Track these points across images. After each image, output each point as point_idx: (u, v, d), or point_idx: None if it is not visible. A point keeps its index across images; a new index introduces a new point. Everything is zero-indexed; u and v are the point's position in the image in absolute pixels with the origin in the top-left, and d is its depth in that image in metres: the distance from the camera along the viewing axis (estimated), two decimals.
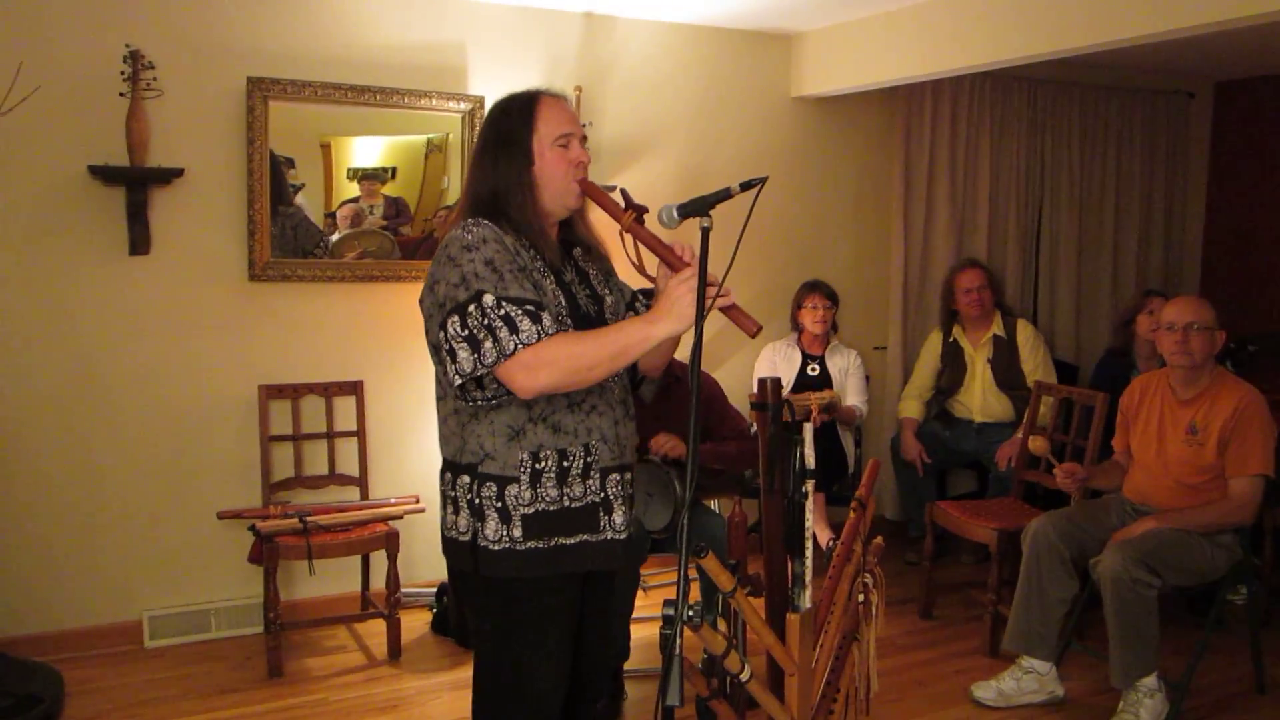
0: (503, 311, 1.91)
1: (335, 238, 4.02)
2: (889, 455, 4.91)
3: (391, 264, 4.11)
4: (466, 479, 2.07)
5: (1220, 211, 6.09)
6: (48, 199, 3.57)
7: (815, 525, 4.26)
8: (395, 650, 3.79)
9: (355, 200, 4.04)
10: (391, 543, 3.75)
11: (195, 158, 3.74)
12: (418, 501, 3.96)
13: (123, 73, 3.54)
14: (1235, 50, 5.11)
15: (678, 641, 1.66)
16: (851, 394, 4.71)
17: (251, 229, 3.83)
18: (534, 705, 2.08)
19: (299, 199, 3.96)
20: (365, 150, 4.08)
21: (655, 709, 1.85)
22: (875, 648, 2.51)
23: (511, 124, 2.08)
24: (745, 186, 2.02)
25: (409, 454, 4.23)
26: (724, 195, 2.02)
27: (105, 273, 3.67)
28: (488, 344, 1.91)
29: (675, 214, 2.03)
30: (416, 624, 4.06)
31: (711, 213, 2.01)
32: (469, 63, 4.17)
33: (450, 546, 2.13)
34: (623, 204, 2.10)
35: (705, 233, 1.97)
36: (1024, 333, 4.76)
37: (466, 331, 1.93)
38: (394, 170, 4.11)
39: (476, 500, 2.05)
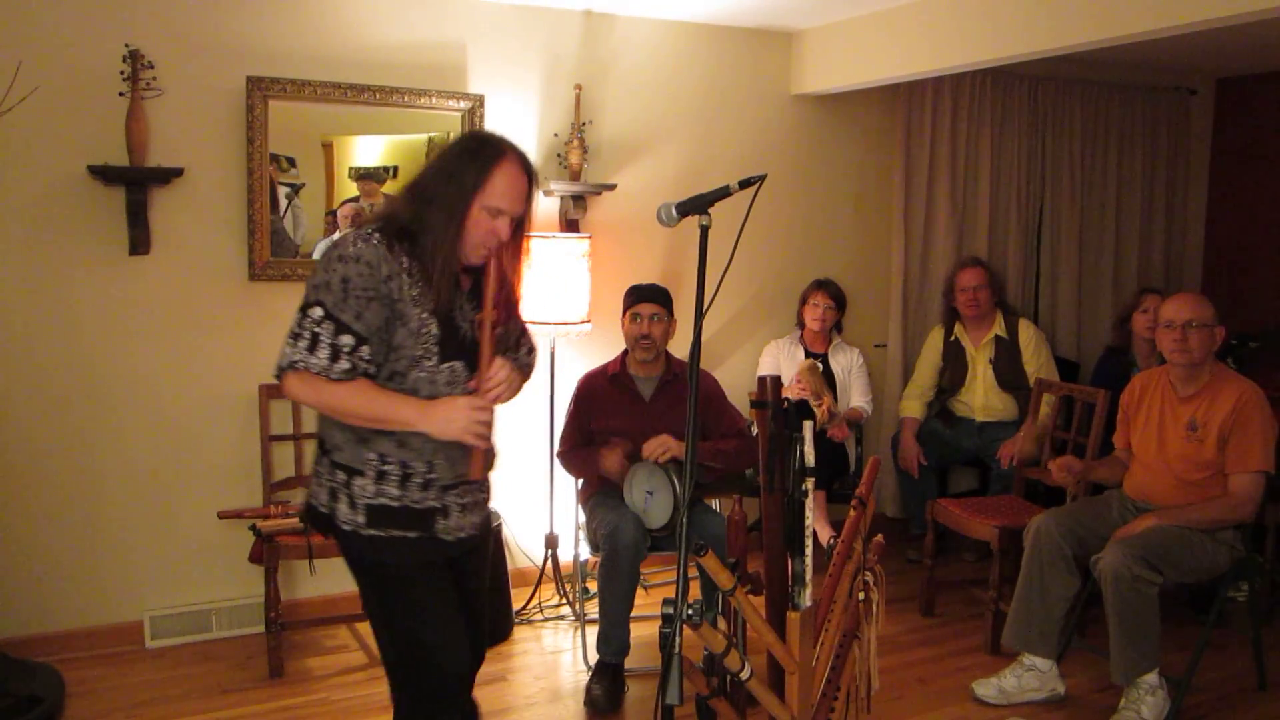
0: (319, 328, 2.05)
1: (335, 237, 4.01)
2: (889, 453, 4.91)
3: None
4: (326, 461, 2.21)
5: (1222, 208, 6.08)
6: (47, 199, 3.57)
7: (816, 523, 4.26)
8: None
9: (355, 199, 4.04)
10: None
11: (195, 157, 3.74)
12: None
13: (122, 72, 3.54)
14: (1237, 47, 5.10)
15: (677, 640, 1.66)
16: (856, 394, 4.71)
17: (251, 228, 3.82)
18: (439, 676, 2.21)
19: (296, 200, 3.95)
20: (366, 149, 4.07)
21: (655, 707, 1.85)
22: (876, 646, 2.51)
23: (466, 170, 2.12)
24: (744, 184, 2.02)
25: None
26: (723, 193, 2.02)
27: (105, 273, 3.67)
28: (289, 345, 2.07)
29: (674, 212, 2.04)
30: None
31: (710, 211, 2.01)
32: (469, 61, 4.17)
33: (311, 514, 2.25)
34: (493, 299, 2.18)
35: (704, 231, 1.97)
36: (1026, 333, 4.75)
37: (295, 327, 2.07)
38: (395, 169, 4.11)
39: (333, 483, 2.19)
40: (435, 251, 2.09)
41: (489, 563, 2.44)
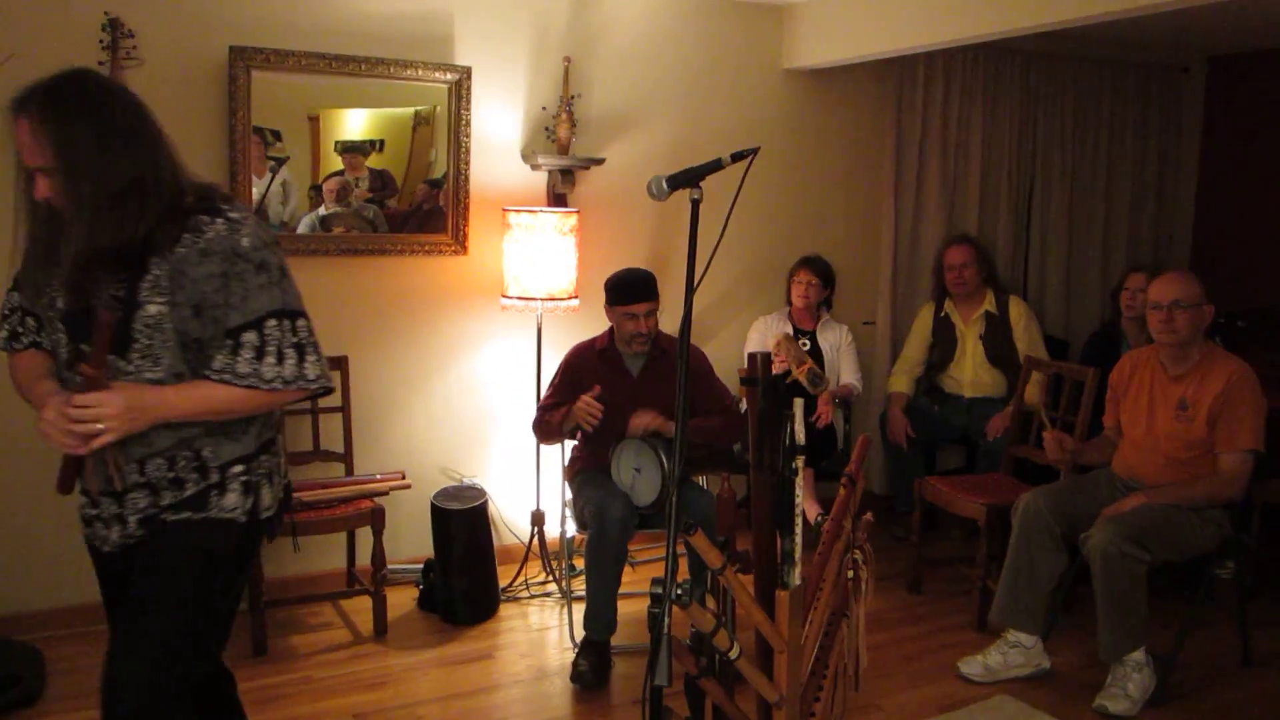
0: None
1: (321, 212, 3.96)
2: (878, 431, 4.90)
3: (376, 237, 4.05)
4: None
5: (1212, 187, 6.07)
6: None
7: (804, 501, 4.24)
8: (382, 627, 3.77)
9: (340, 173, 3.98)
10: (377, 519, 3.72)
11: (176, 128, 3.56)
12: (403, 478, 3.93)
13: (101, 41, 3.46)
14: (1230, 24, 5.06)
15: (666, 621, 1.64)
16: (845, 371, 4.70)
17: None
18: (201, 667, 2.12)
19: (284, 173, 3.89)
20: (353, 123, 4.01)
21: (644, 687, 1.83)
22: (864, 624, 2.50)
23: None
24: (737, 157, 1.99)
25: (395, 430, 4.20)
26: (715, 166, 1.99)
27: None
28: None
29: (665, 185, 2.00)
30: (403, 600, 4.04)
31: (702, 184, 1.98)
32: (456, 32, 4.10)
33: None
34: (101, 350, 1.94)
35: (695, 204, 1.94)
36: (1017, 309, 4.74)
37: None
38: (381, 143, 4.05)
39: None
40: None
41: (150, 597, 1.98)
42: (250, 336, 1.95)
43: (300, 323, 2.02)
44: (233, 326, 1.94)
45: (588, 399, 3.50)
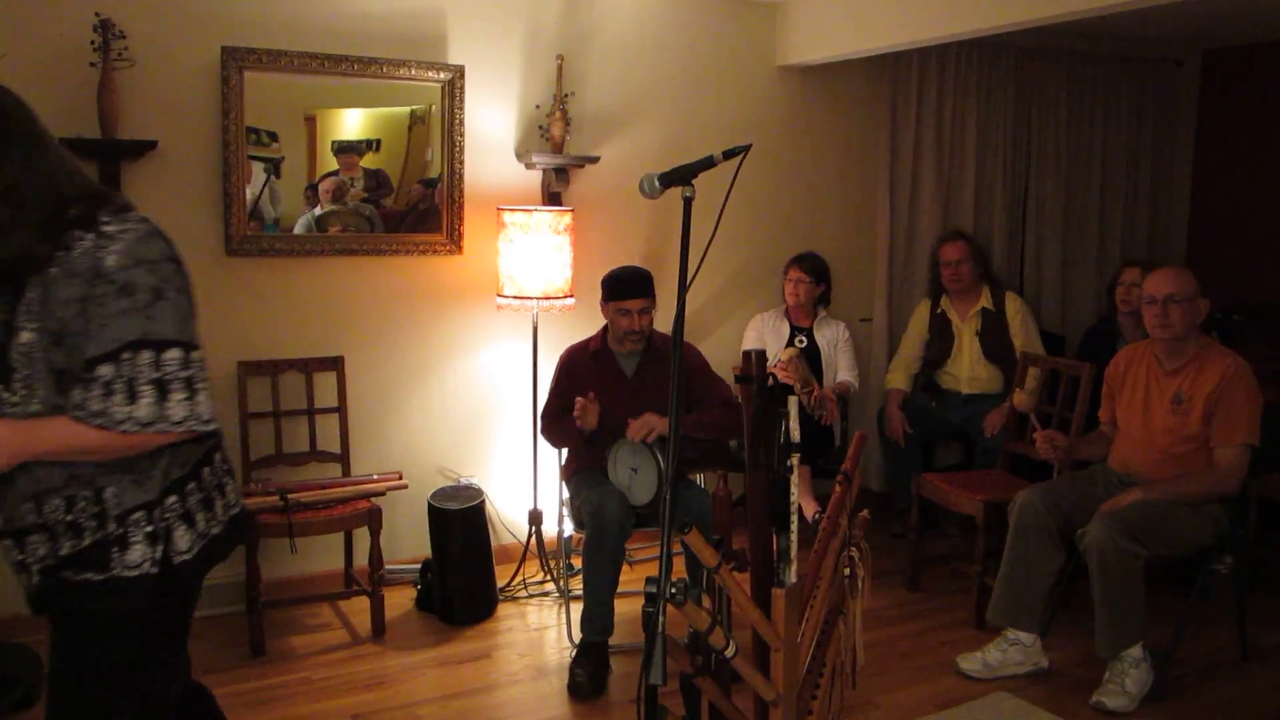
0: None
1: (317, 212, 3.96)
2: (875, 428, 4.90)
3: (372, 237, 4.05)
4: None
5: (1207, 181, 6.07)
6: None
7: (801, 499, 4.25)
8: (379, 627, 3.76)
9: (335, 173, 3.98)
10: (374, 519, 3.71)
11: (169, 130, 3.67)
12: (400, 478, 3.92)
13: (93, 42, 3.46)
14: (1224, 18, 5.07)
15: (660, 620, 1.64)
16: (842, 368, 4.69)
17: (228, 202, 3.76)
18: None
19: (273, 177, 3.88)
20: (349, 123, 4.00)
21: (639, 686, 1.83)
22: (861, 621, 2.50)
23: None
24: (728, 155, 1.99)
25: (391, 430, 4.20)
26: (707, 164, 1.99)
27: None
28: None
29: (657, 183, 2.00)
30: (401, 600, 4.03)
31: (695, 183, 1.97)
32: (449, 31, 4.10)
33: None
34: None
35: (688, 202, 1.94)
36: (1013, 305, 4.74)
37: None
38: (377, 143, 4.04)
39: None
40: None
41: (57, 661, 1.83)
42: (105, 370, 1.68)
43: (170, 354, 1.74)
44: (90, 358, 1.69)
45: (581, 400, 3.49)
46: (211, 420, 1.80)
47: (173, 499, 1.83)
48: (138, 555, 1.79)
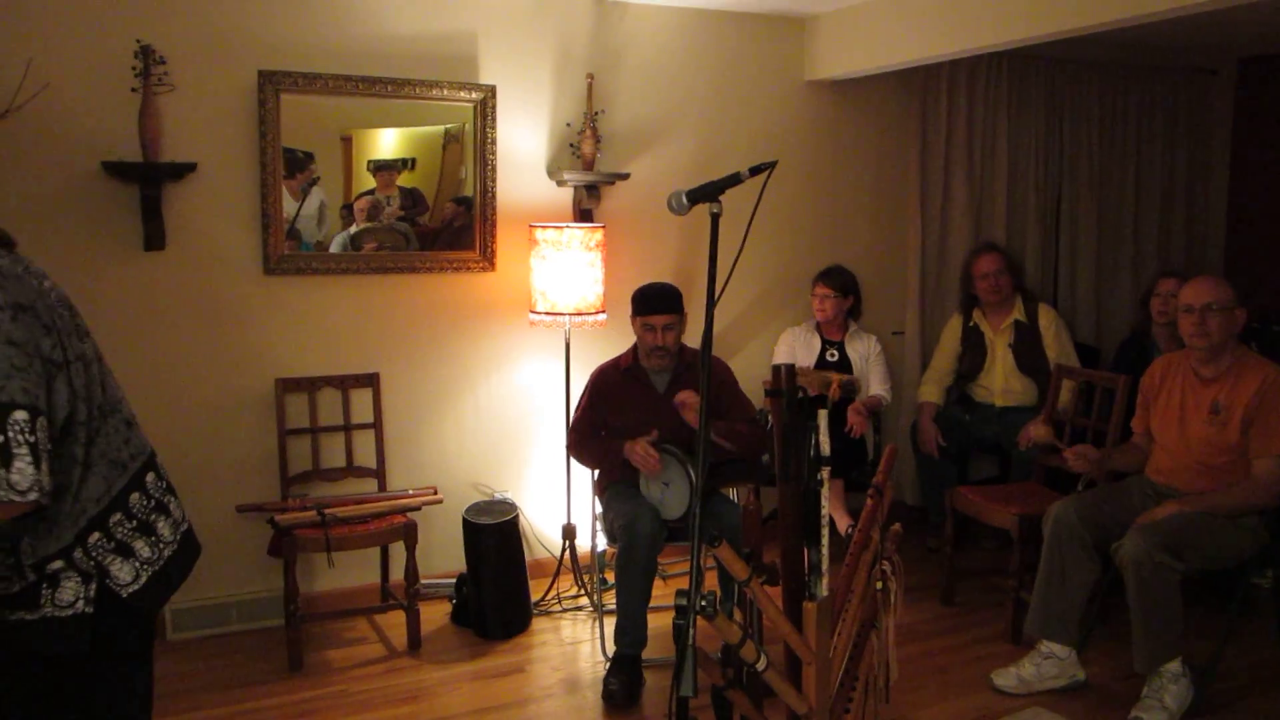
0: None
1: (353, 230, 4.02)
2: (908, 441, 4.88)
3: (407, 255, 4.10)
4: None
5: (1243, 190, 6.00)
6: (62, 196, 3.58)
7: (833, 512, 4.24)
8: (415, 641, 3.80)
9: (371, 192, 4.04)
10: (410, 534, 3.75)
11: (208, 152, 3.75)
12: (435, 493, 3.96)
13: (134, 68, 3.54)
14: (1259, 25, 5.01)
15: (691, 632, 1.65)
16: (875, 382, 4.68)
17: (266, 222, 3.83)
18: None
19: (316, 194, 3.95)
20: (385, 142, 4.07)
21: (670, 698, 1.84)
22: (894, 635, 2.49)
23: None
24: (754, 171, 2.01)
25: (426, 446, 4.24)
26: (733, 180, 2.01)
27: (121, 269, 3.68)
28: None
29: (685, 200, 2.03)
30: (436, 615, 4.06)
31: (723, 199, 2.00)
32: (480, 52, 4.15)
33: None
34: None
35: (715, 218, 1.96)
36: (1046, 317, 4.70)
37: None
38: (413, 161, 4.10)
39: None
40: None
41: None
42: None
43: (16, 416, 1.57)
44: None
45: (646, 446, 3.50)
46: (43, 495, 1.63)
47: (95, 536, 1.74)
48: (69, 594, 1.72)
